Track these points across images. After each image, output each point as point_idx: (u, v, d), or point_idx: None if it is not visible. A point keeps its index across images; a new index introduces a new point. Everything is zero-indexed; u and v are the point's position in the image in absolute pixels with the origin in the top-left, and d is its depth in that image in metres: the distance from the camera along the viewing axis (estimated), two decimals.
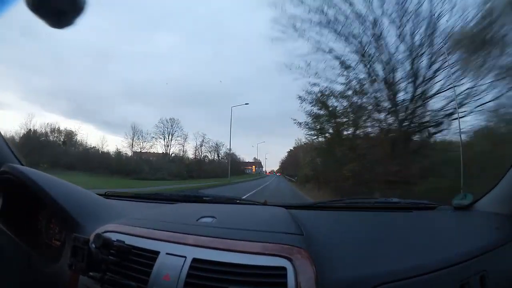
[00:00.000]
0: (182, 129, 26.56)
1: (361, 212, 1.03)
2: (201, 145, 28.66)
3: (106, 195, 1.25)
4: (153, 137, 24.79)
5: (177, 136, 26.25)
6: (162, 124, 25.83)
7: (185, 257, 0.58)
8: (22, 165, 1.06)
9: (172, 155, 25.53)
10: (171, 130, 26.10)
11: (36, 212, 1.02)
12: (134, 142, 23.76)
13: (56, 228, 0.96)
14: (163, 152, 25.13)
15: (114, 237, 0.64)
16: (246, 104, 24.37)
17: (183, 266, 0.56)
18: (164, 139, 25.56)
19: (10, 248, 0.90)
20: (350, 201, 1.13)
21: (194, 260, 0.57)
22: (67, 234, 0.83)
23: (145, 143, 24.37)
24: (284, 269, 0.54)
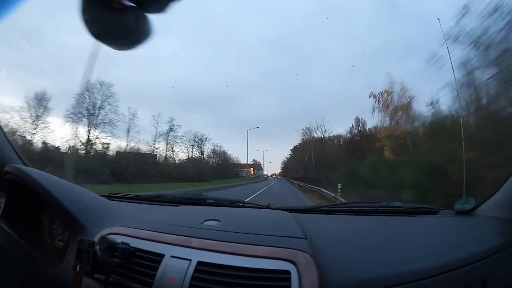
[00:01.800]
0: (115, 98, 15.56)
1: (364, 216, 1.03)
2: (167, 134, 19.37)
3: (110, 197, 1.25)
4: (69, 113, 14.42)
5: (111, 112, 15.58)
6: (86, 92, 15.14)
7: (190, 260, 0.58)
8: (25, 165, 1.07)
9: (96, 142, 15.13)
10: (99, 102, 15.39)
11: (39, 213, 1.02)
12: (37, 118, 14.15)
13: (59, 229, 0.96)
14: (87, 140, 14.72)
15: (118, 239, 0.64)
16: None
17: (188, 269, 0.57)
18: (88, 114, 14.94)
19: (13, 249, 0.90)
20: (353, 205, 1.13)
21: (199, 263, 0.58)
22: (70, 235, 0.84)
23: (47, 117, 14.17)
24: (288, 272, 0.54)
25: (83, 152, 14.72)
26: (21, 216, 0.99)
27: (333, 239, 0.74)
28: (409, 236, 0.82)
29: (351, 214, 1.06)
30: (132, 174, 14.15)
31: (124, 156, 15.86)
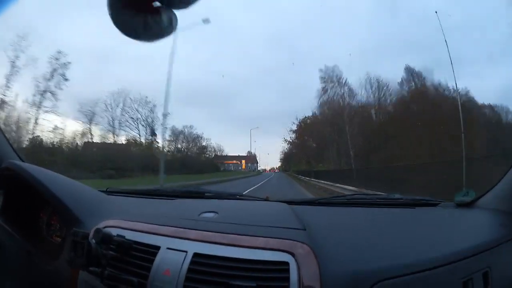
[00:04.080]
0: None
1: (363, 208, 1.03)
2: (47, 79, 9.82)
3: (108, 191, 1.25)
4: None
5: None
6: None
7: (186, 251, 0.58)
8: (23, 161, 1.06)
9: None
10: None
11: (38, 209, 1.02)
12: None
13: (57, 225, 0.96)
14: None
15: (114, 232, 0.64)
16: None
17: (184, 261, 0.56)
18: None
19: (11, 245, 0.90)
20: (352, 197, 1.13)
21: (195, 254, 0.57)
22: (68, 230, 0.83)
23: None
24: (286, 264, 0.54)
25: None
26: (19, 213, 0.99)
27: (332, 231, 0.73)
28: (408, 228, 0.81)
29: (350, 206, 1.05)
30: None
31: None
